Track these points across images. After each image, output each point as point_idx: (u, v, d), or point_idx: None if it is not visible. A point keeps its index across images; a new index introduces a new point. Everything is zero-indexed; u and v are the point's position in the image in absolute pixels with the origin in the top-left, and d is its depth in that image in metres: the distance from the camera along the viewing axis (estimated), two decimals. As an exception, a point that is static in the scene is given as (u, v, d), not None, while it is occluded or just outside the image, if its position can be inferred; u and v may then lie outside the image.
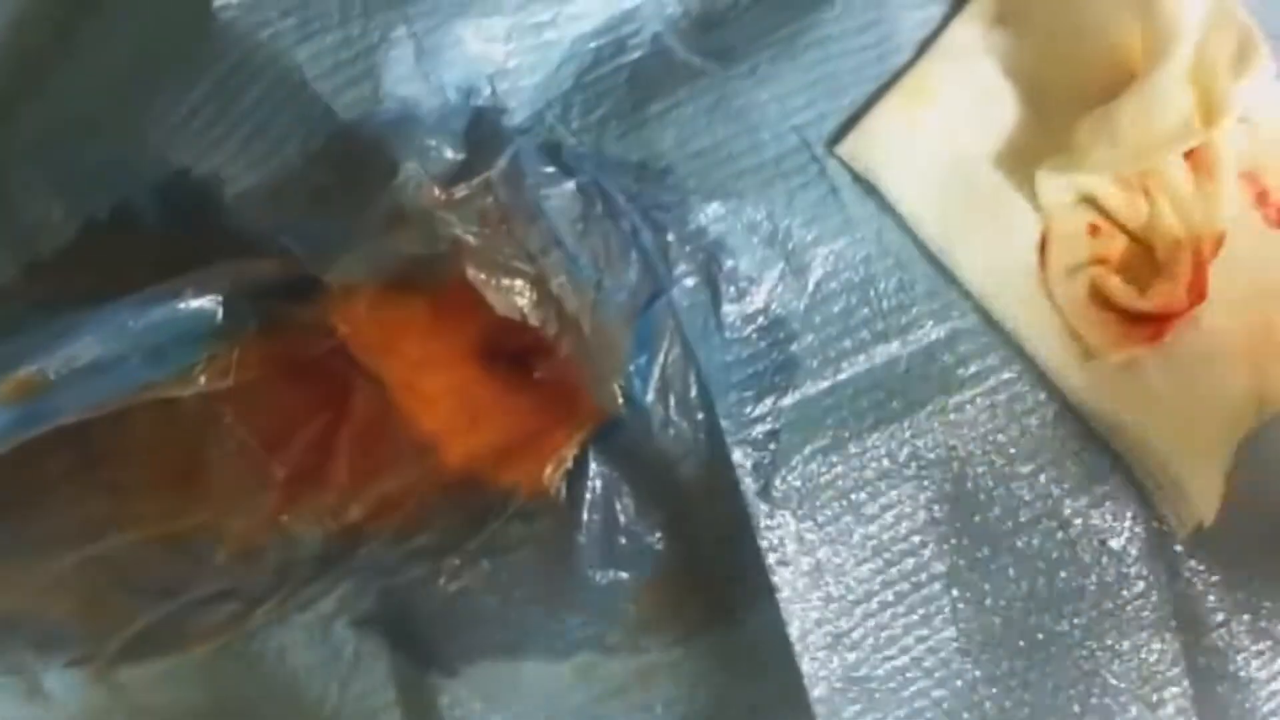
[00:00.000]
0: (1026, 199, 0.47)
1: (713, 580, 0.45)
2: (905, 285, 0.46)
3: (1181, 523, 0.47)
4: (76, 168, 0.48)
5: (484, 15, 0.45)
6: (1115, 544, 0.47)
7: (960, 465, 0.46)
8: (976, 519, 0.46)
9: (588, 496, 0.44)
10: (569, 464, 0.44)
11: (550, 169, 0.44)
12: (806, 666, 0.44)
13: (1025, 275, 0.47)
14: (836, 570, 0.45)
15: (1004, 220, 0.47)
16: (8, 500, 0.47)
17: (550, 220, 0.43)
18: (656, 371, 0.43)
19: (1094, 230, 0.48)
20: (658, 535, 0.45)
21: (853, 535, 0.45)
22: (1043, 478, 0.46)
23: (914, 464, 0.45)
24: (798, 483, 0.44)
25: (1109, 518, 0.47)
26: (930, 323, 0.46)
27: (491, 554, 0.45)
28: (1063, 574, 0.46)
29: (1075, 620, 0.47)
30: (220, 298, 0.44)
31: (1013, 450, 0.46)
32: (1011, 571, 0.46)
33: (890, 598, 0.45)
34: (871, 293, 0.45)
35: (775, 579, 0.44)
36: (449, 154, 0.43)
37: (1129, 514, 0.47)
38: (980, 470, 0.46)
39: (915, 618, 0.46)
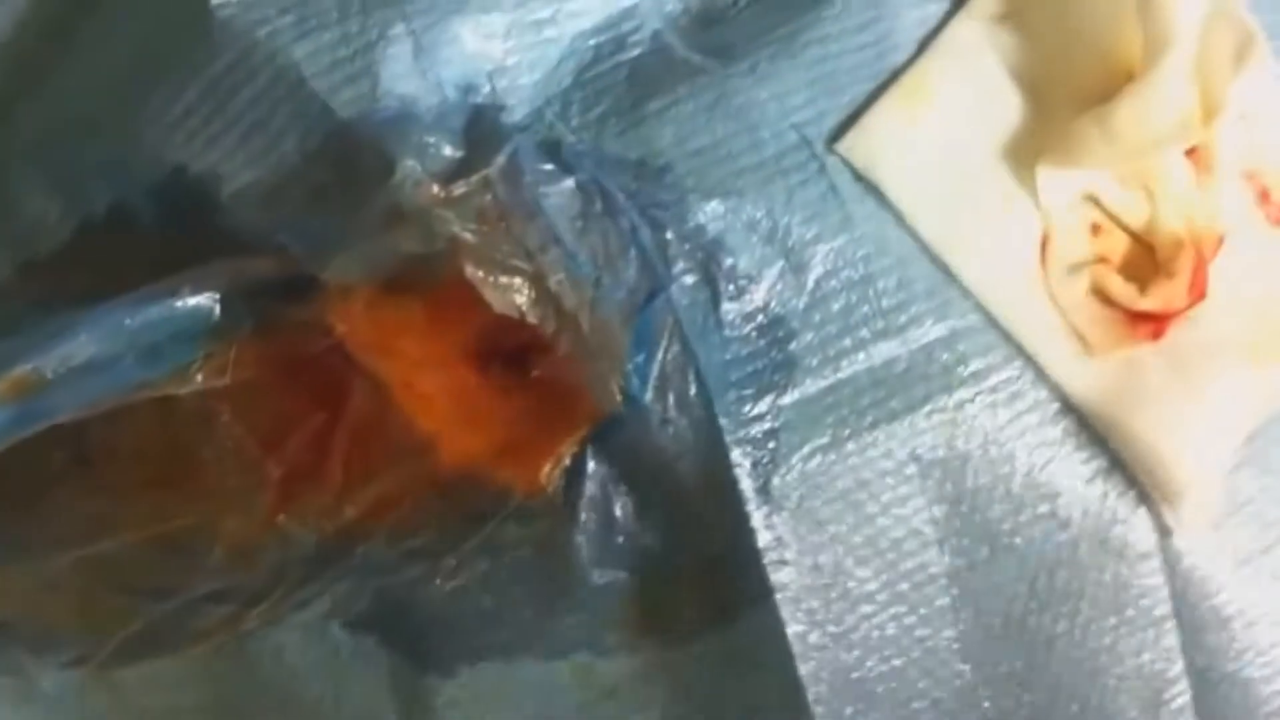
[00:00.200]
0: (1027, 197, 0.47)
1: (711, 580, 0.45)
2: (905, 283, 0.46)
3: (1182, 521, 0.47)
4: (73, 166, 0.48)
5: (482, 12, 0.45)
6: (1115, 543, 0.46)
7: (960, 464, 0.45)
8: (976, 518, 0.46)
9: (585, 496, 0.44)
10: (567, 463, 0.44)
11: (549, 167, 0.44)
12: (805, 667, 0.44)
13: (1025, 273, 0.46)
14: (835, 570, 0.44)
15: (1004, 218, 0.47)
16: (3, 500, 0.47)
17: (549, 218, 0.43)
18: (655, 370, 0.43)
19: (1094, 229, 0.47)
20: (656, 534, 0.45)
21: (852, 535, 0.45)
22: (1043, 477, 0.46)
23: (914, 463, 0.45)
24: (797, 481, 0.44)
25: (1109, 517, 0.46)
26: (930, 321, 0.46)
27: (488, 554, 0.45)
28: (1062, 573, 0.46)
29: (1075, 620, 0.46)
30: (217, 296, 0.44)
31: (1012, 449, 0.46)
32: (1011, 571, 0.46)
33: (889, 597, 0.45)
34: (871, 291, 0.45)
35: (773, 578, 0.44)
36: (447, 151, 0.43)
37: (1129, 513, 0.46)
38: (980, 469, 0.45)
39: (914, 618, 0.46)
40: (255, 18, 0.44)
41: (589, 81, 0.47)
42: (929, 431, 0.45)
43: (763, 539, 0.44)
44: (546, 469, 0.44)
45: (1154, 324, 0.46)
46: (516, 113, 0.46)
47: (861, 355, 0.45)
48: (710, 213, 0.44)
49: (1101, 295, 0.46)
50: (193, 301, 0.43)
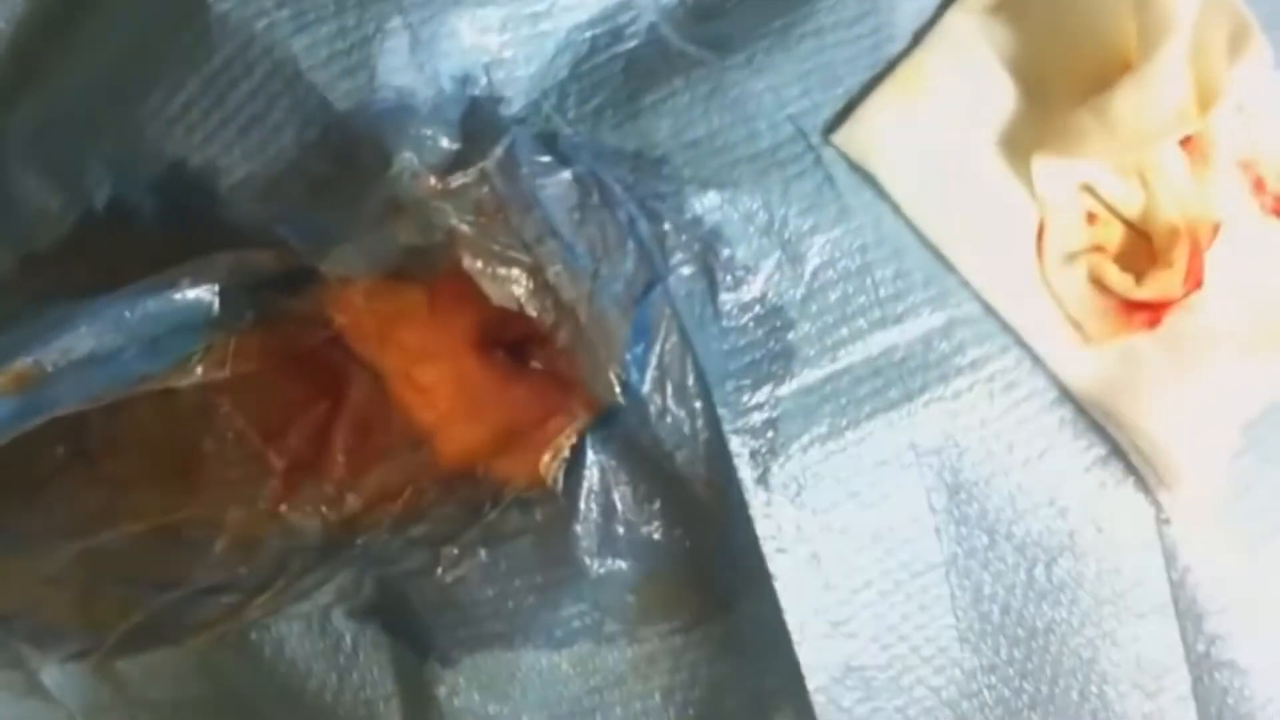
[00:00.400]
0: (1023, 187, 0.47)
1: (711, 569, 0.45)
2: (902, 273, 0.46)
3: (1179, 509, 0.47)
4: (73, 160, 0.48)
5: (479, 5, 0.45)
6: (1113, 531, 0.46)
7: (958, 453, 0.45)
8: (974, 507, 0.46)
9: (585, 486, 0.44)
10: (566, 453, 0.44)
11: (546, 158, 0.44)
12: (805, 655, 0.44)
13: (1022, 263, 0.47)
14: (834, 558, 0.45)
15: (1001, 208, 0.47)
16: (4, 493, 0.47)
17: (546, 210, 0.43)
18: (653, 360, 0.43)
19: (1091, 218, 0.48)
20: (655, 524, 0.45)
21: (851, 523, 0.45)
22: (1041, 465, 0.46)
23: (912, 452, 0.45)
24: (796, 471, 0.44)
25: (1107, 505, 0.46)
26: (928, 311, 0.46)
27: (489, 544, 0.45)
28: (1061, 561, 0.46)
29: (1074, 608, 0.47)
30: (216, 289, 0.44)
31: (1010, 438, 0.46)
32: (1010, 559, 0.46)
33: (889, 586, 0.45)
34: (868, 281, 0.45)
35: (773, 567, 0.44)
36: (444, 144, 0.43)
37: (1127, 501, 0.47)
38: (978, 458, 0.46)
39: (913, 606, 0.46)
40: (252, 12, 0.45)
41: (585, 74, 0.47)
42: (927, 421, 0.45)
43: (761, 528, 0.44)
44: (546, 459, 0.44)
45: (1150, 313, 0.46)
46: (513, 105, 0.46)
47: (859, 345, 0.45)
48: (707, 204, 0.45)
49: (1098, 284, 0.47)
50: (192, 294, 0.44)
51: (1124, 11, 0.47)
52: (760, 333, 0.45)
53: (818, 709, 0.45)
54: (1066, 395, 0.46)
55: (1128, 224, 0.48)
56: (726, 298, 0.44)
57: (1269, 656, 0.48)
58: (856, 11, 0.48)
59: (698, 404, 0.44)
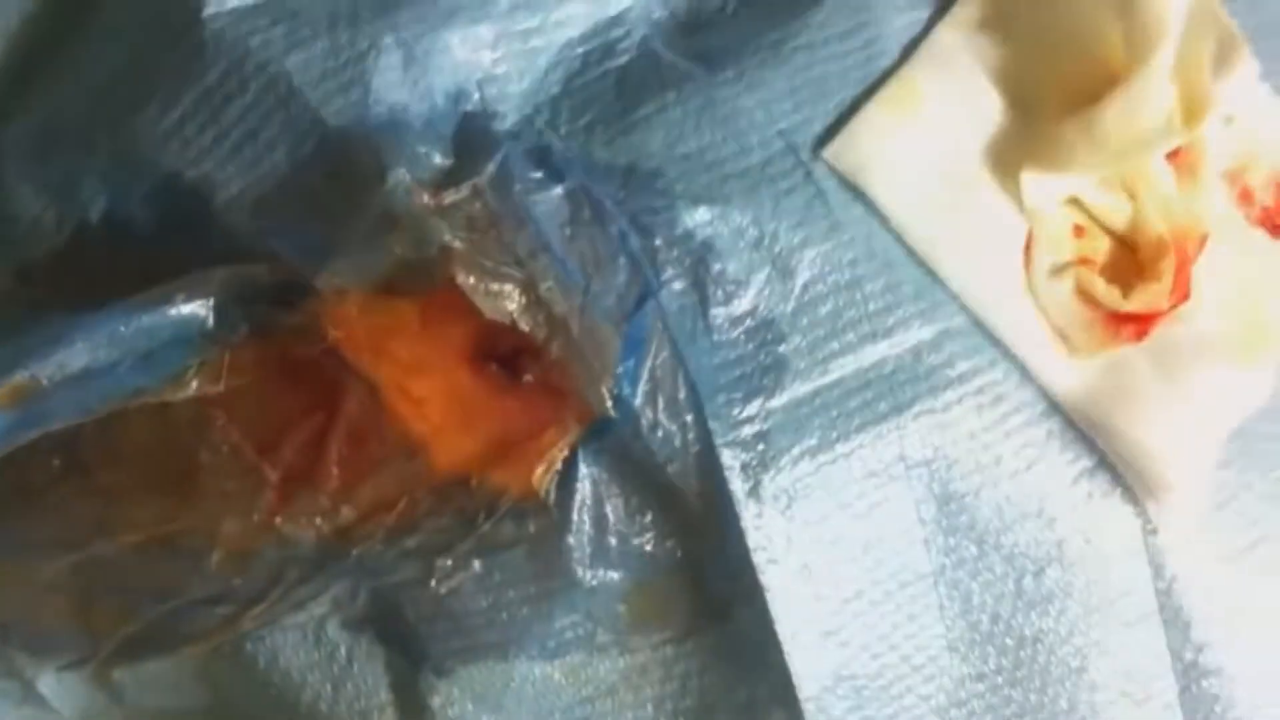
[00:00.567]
0: (1012, 201, 0.47)
1: (702, 580, 0.46)
2: (892, 287, 0.46)
3: (1166, 519, 0.47)
4: (69, 174, 0.48)
5: (472, 22, 0.46)
6: (1101, 541, 0.47)
7: (947, 465, 0.46)
8: (964, 518, 0.46)
9: (577, 498, 0.44)
10: (559, 466, 0.44)
11: (538, 174, 0.44)
12: (796, 665, 0.45)
13: (1011, 276, 0.47)
14: (825, 569, 0.45)
15: (989, 222, 0.47)
16: (2, 505, 0.47)
17: (538, 225, 0.43)
18: (645, 374, 0.44)
19: (1078, 231, 0.48)
20: (647, 536, 0.45)
21: (841, 534, 0.45)
22: (1029, 476, 0.46)
23: (901, 463, 0.46)
24: (786, 483, 0.44)
25: (1095, 516, 0.47)
26: (917, 324, 0.46)
27: (482, 555, 0.45)
28: (1049, 571, 0.47)
29: (1062, 617, 0.47)
30: (211, 302, 0.44)
31: (999, 450, 0.46)
32: (998, 569, 0.47)
33: (879, 596, 0.46)
34: (859, 295, 0.46)
35: (764, 578, 0.44)
36: (438, 160, 0.44)
37: (1115, 512, 0.47)
38: (967, 469, 0.46)
39: (903, 616, 0.46)
40: (247, 28, 0.45)
41: (578, 89, 0.47)
42: (916, 433, 0.46)
43: (753, 539, 0.44)
44: (539, 471, 0.44)
45: (1137, 325, 0.47)
46: (506, 120, 0.46)
47: (849, 358, 0.45)
48: (698, 219, 0.45)
49: (1085, 297, 0.47)
50: (187, 308, 0.44)
51: (1111, 26, 0.47)
52: (751, 346, 0.45)
53: (809, 718, 0.45)
54: (1054, 407, 0.47)
55: (1115, 236, 0.48)
56: (718, 312, 0.45)
57: (1256, 664, 0.49)
58: (847, 26, 0.48)
59: (689, 417, 0.44)
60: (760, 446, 0.44)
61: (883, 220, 0.46)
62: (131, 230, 0.47)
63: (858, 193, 0.46)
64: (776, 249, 0.45)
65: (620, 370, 0.43)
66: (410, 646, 0.47)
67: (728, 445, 0.44)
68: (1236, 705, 0.49)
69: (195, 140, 0.45)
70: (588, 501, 0.45)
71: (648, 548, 0.45)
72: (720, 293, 0.45)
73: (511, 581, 0.45)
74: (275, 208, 0.45)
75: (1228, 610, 0.48)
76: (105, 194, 0.47)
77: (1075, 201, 0.48)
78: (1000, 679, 0.47)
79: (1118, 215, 0.48)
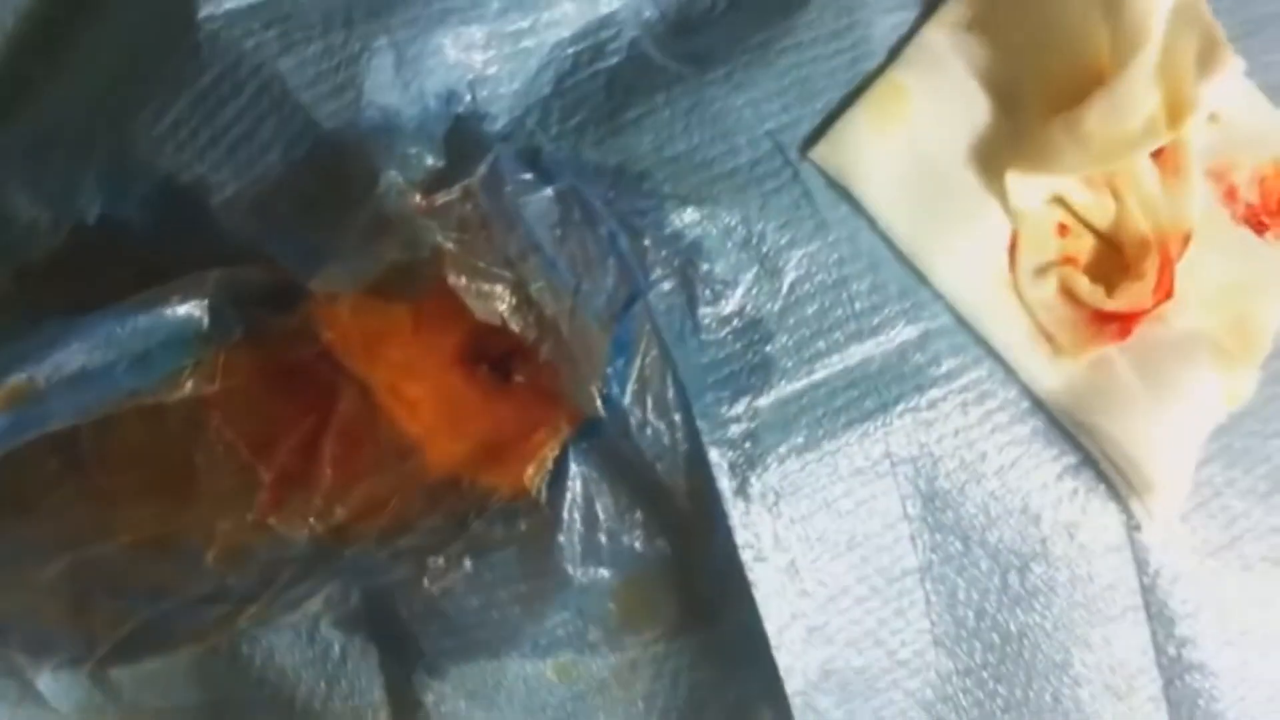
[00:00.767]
0: (997, 201, 0.48)
1: (691, 577, 0.46)
2: (878, 286, 0.46)
3: (1150, 516, 0.48)
4: (65, 176, 0.48)
5: (463, 24, 0.46)
6: (1085, 538, 0.47)
7: (933, 462, 0.46)
8: (949, 514, 0.47)
9: (568, 497, 0.45)
10: (550, 465, 0.44)
11: (528, 176, 0.45)
12: (783, 660, 0.45)
13: (995, 275, 0.47)
14: (812, 566, 0.45)
15: (975, 222, 0.48)
16: (-1, 506, 0.48)
17: (529, 226, 0.44)
18: (634, 373, 0.44)
19: (1062, 230, 0.48)
20: (637, 534, 0.45)
21: (827, 532, 0.46)
22: (1013, 473, 0.47)
23: (887, 461, 0.46)
24: (774, 481, 0.45)
25: (1079, 512, 0.47)
26: (903, 323, 0.46)
27: (474, 554, 0.45)
28: (1034, 567, 0.47)
29: (1047, 612, 0.47)
30: (206, 304, 0.44)
31: (983, 447, 0.47)
32: (983, 565, 0.47)
33: (865, 592, 0.46)
34: (845, 294, 0.46)
35: (752, 575, 0.44)
36: (429, 161, 0.44)
37: (1098, 508, 0.48)
38: (952, 467, 0.46)
39: (889, 611, 0.46)
40: (241, 31, 0.45)
41: (568, 90, 0.47)
42: (902, 430, 0.46)
43: (740, 537, 0.44)
44: (530, 471, 0.44)
45: (1121, 324, 0.47)
46: (497, 122, 0.46)
47: (836, 357, 0.46)
48: (687, 219, 0.45)
49: (1069, 296, 0.47)
50: (183, 310, 0.44)
51: (1096, 27, 0.48)
52: (738, 346, 0.45)
53: (796, 713, 0.45)
54: (1039, 405, 0.47)
55: (1099, 235, 0.49)
56: (705, 312, 0.45)
57: (1239, 659, 0.49)
58: (835, 27, 0.48)
59: (677, 416, 0.44)
60: (748, 445, 0.45)
61: (869, 220, 0.47)
62: (127, 233, 0.48)
63: (844, 193, 0.47)
64: (764, 249, 0.46)
65: (609, 370, 0.44)
66: (403, 645, 0.47)
67: (715, 444, 0.44)
68: (1220, 699, 0.49)
69: (190, 143, 0.46)
70: (578, 500, 0.45)
71: (638, 546, 0.46)
72: (708, 293, 0.45)
73: (503, 580, 0.46)
74: (270, 210, 0.45)
75: (1211, 606, 0.49)
76: (101, 196, 0.47)
77: (1060, 200, 0.48)
78: (985, 674, 0.48)
79: (1102, 214, 0.48)
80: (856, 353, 0.46)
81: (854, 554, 0.46)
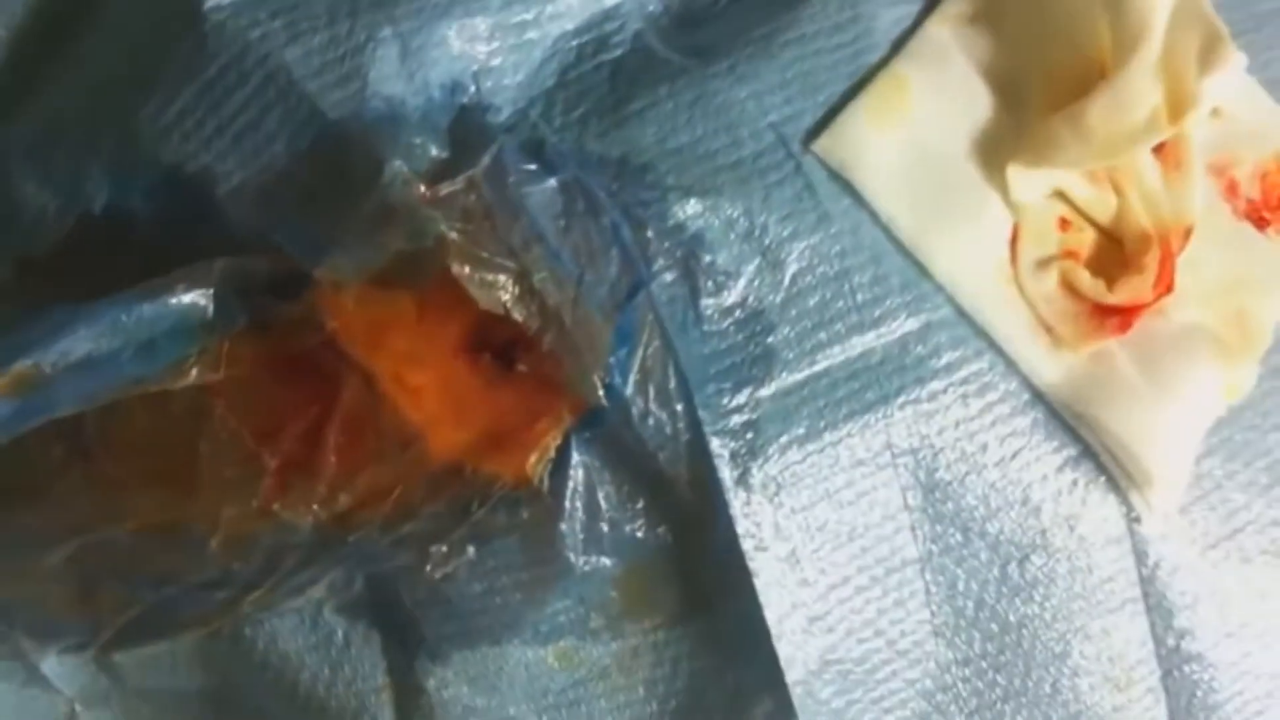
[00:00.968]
0: (998, 194, 0.48)
1: (692, 566, 0.46)
2: (880, 278, 0.47)
3: (1149, 508, 0.48)
4: (71, 166, 0.48)
5: (468, 15, 0.46)
6: (1085, 529, 0.48)
7: (933, 453, 0.47)
8: (949, 505, 0.47)
9: (570, 485, 0.45)
10: (552, 454, 0.45)
11: (532, 166, 0.45)
12: (783, 649, 0.45)
13: (997, 268, 0.48)
14: (812, 556, 0.46)
15: (976, 215, 0.48)
16: (5, 492, 0.48)
17: (532, 217, 0.44)
18: (636, 364, 0.44)
19: (1064, 224, 0.48)
20: (639, 523, 0.46)
21: (828, 522, 0.46)
22: (1014, 465, 0.47)
23: (888, 452, 0.46)
24: (774, 471, 0.45)
25: (1079, 504, 0.48)
26: (904, 315, 0.47)
27: (477, 542, 0.46)
28: (1033, 558, 0.47)
29: (1046, 603, 0.48)
30: (211, 293, 0.44)
31: (984, 438, 0.47)
32: (983, 556, 0.47)
33: (865, 582, 0.46)
34: (847, 286, 0.46)
35: (752, 565, 0.45)
36: (434, 152, 0.44)
37: (1098, 500, 0.48)
38: (953, 458, 0.47)
39: (889, 601, 0.47)
40: (247, 21, 0.45)
41: (572, 82, 0.48)
42: (903, 422, 0.46)
43: (741, 526, 0.45)
44: (532, 460, 0.45)
45: (1122, 317, 0.47)
46: (501, 113, 0.47)
47: (837, 348, 0.46)
48: (690, 211, 0.45)
49: (1070, 289, 0.48)
50: (188, 298, 0.44)
51: (1098, 21, 0.48)
52: (740, 337, 0.46)
53: (796, 702, 0.46)
54: (1039, 398, 0.47)
55: (1100, 229, 0.49)
56: (708, 303, 0.45)
57: (1237, 650, 0.49)
58: (838, 20, 0.49)
59: (679, 406, 0.45)
60: (749, 435, 0.45)
61: (871, 213, 0.47)
62: (133, 222, 0.48)
63: (846, 185, 0.47)
64: (766, 241, 0.46)
65: (612, 360, 0.44)
66: (406, 631, 0.47)
67: (717, 434, 0.45)
68: (1218, 691, 0.49)
69: (196, 133, 0.46)
70: (580, 489, 0.45)
71: (639, 534, 0.46)
72: (710, 284, 0.45)
73: (505, 567, 0.46)
74: (275, 200, 0.45)
75: (1210, 597, 0.49)
76: (107, 186, 0.48)
77: (1061, 194, 0.48)
78: (985, 664, 0.48)
79: (1103, 208, 0.49)
80: (858, 344, 0.46)
81: (854, 544, 0.46)
